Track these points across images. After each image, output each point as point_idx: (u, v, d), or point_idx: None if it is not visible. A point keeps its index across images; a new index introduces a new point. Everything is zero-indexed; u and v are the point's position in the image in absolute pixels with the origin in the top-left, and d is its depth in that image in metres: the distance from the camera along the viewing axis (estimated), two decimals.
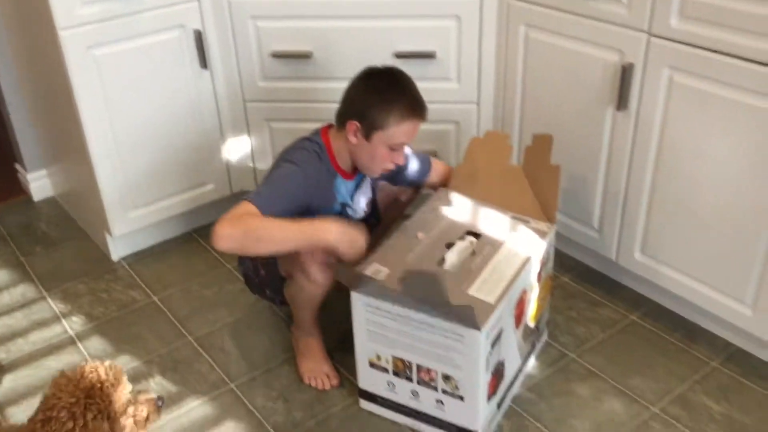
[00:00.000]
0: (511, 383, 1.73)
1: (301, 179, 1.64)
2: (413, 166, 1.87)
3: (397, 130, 1.63)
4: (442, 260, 1.61)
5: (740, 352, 1.85)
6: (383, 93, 1.63)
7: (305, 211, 1.63)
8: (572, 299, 2.06)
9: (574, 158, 1.96)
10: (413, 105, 1.65)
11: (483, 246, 1.66)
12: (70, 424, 1.24)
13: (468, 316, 1.43)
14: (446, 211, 1.78)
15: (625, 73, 1.73)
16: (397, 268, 1.55)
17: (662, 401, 1.72)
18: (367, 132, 1.64)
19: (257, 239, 1.53)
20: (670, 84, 1.68)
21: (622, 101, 1.77)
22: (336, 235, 1.55)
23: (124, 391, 1.32)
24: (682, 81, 1.66)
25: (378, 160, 1.68)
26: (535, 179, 1.80)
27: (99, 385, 1.28)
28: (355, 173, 1.77)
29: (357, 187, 1.80)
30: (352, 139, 1.67)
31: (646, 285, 1.99)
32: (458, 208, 1.79)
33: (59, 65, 1.97)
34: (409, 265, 1.58)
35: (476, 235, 1.69)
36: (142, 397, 1.36)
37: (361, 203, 1.82)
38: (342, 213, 1.78)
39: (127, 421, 1.32)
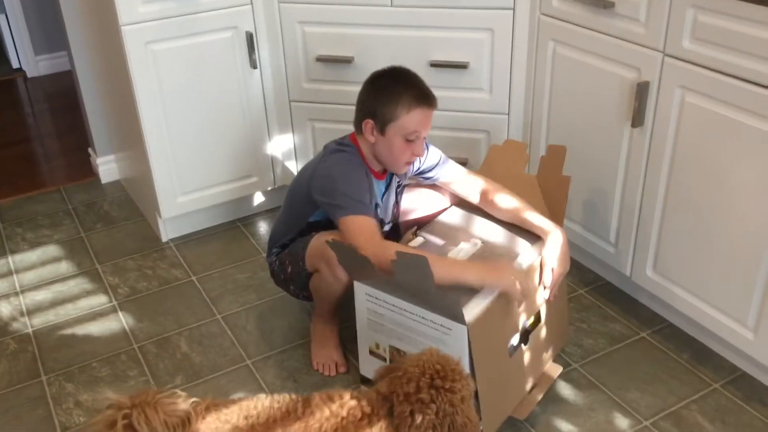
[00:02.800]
0: None
1: (362, 174, 1.77)
2: (432, 163, 1.91)
3: (408, 118, 1.72)
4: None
5: (745, 376, 1.84)
6: (390, 88, 1.73)
7: None
8: (586, 311, 2.09)
9: (594, 171, 2.00)
10: (419, 94, 1.73)
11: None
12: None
13: (454, 309, 1.51)
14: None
15: (641, 90, 1.77)
16: None
17: (655, 416, 1.74)
18: (381, 127, 1.74)
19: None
20: (681, 103, 1.71)
21: (637, 118, 1.80)
22: (477, 276, 1.61)
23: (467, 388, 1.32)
24: (693, 101, 1.68)
25: (397, 152, 1.76)
26: (546, 189, 1.86)
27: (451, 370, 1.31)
28: (385, 173, 1.87)
29: (387, 188, 1.89)
30: (370, 138, 1.77)
31: (661, 303, 2.00)
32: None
33: (121, 58, 2.17)
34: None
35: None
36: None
37: (390, 204, 1.92)
38: (375, 213, 1.86)
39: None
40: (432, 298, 1.53)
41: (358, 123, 1.80)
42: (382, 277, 1.59)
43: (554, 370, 1.83)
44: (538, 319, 1.77)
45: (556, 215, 1.82)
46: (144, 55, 2.15)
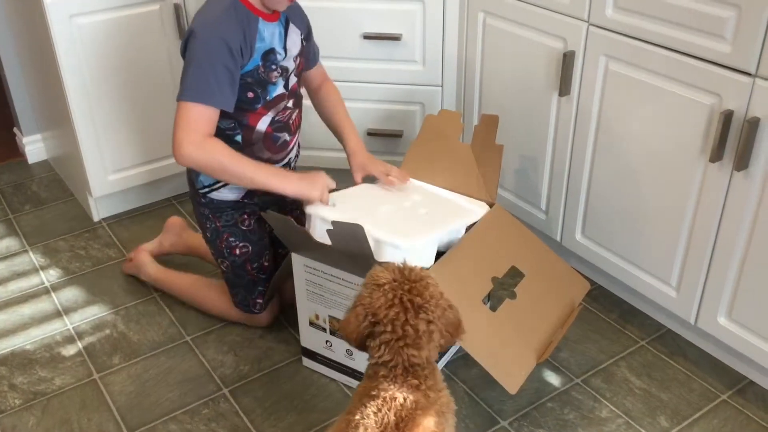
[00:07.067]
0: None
1: (224, 46, 1.59)
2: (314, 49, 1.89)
3: None
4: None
5: (670, 333, 1.93)
6: None
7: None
8: None
9: (525, 141, 2.05)
10: None
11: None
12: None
13: None
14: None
15: (567, 60, 1.81)
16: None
17: (586, 374, 1.81)
18: None
19: (221, 173, 1.66)
20: (605, 71, 1.76)
21: (564, 87, 1.85)
22: (295, 186, 1.68)
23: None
24: (616, 69, 1.74)
25: None
26: (480, 158, 1.89)
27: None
28: (278, 14, 1.71)
29: (286, 29, 1.74)
30: None
31: (590, 266, 2.08)
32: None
33: (44, 33, 2.10)
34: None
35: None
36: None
37: (293, 50, 1.76)
38: (267, 63, 1.70)
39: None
40: (369, 264, 1.54)
41: None
42: (317, 243, 1.60)
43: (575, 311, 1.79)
44: (518, 274, 1.77)
45: (490, 184, 1.86)
46: (68, 29, 2.09)
